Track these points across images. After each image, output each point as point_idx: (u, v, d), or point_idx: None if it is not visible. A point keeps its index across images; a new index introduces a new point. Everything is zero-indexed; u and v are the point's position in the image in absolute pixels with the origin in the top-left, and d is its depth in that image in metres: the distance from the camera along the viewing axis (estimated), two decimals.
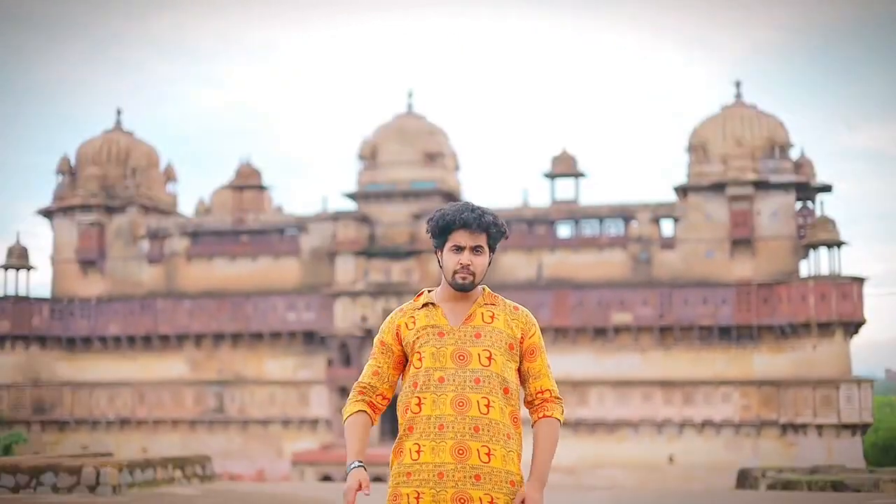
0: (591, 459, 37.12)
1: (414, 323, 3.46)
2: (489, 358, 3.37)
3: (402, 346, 3.47)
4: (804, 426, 35.97)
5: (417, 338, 3.43)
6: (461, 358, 3.36)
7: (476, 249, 3.40)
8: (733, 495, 14.69)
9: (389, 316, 3.56)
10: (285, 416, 40.91)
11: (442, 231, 3.41)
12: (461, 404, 3.32)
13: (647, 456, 37.38)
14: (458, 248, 3.39)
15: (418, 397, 3.37)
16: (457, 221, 3.38)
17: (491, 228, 3.40)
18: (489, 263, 3.45)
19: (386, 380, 3.51)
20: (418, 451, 3.32)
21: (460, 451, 3.29)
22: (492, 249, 3.44)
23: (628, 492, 14.86)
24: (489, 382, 3.35)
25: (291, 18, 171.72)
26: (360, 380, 3.54)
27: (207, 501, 11.42)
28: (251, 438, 41.21)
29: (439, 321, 3.43)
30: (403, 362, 3.50)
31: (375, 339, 3.53)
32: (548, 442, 3.43)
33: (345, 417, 3.49)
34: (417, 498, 3.29)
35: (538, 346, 3.49)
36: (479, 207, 3.42)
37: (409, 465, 3.33)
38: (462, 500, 3.27)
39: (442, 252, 3.44)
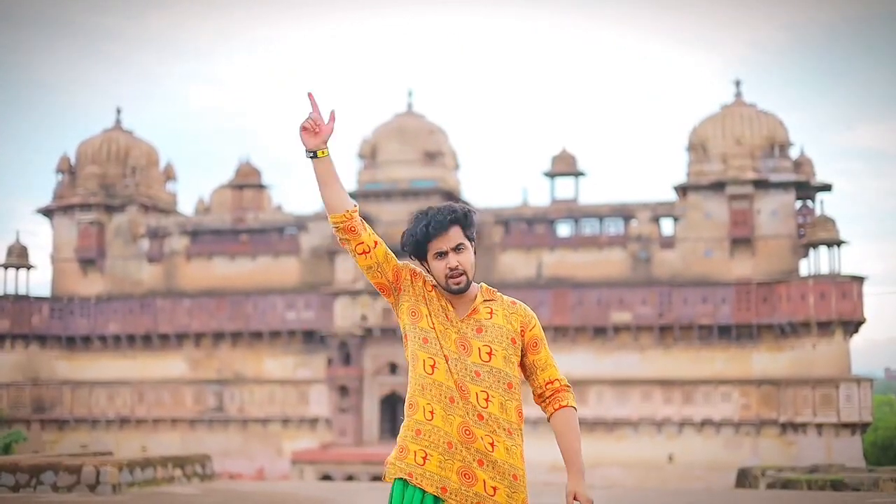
0: (591, 458, 36.97)
1: (427, 288, 3.43)
2: (489, 353, 3.36)
3: (403, 283, 3.43)
4: (804, 425, 35.97)
5: (429, 300, 3.39)
6: (463, 347, 3.35)
7: (458, 248, 3.38)
8: (733, 494, 14.68)
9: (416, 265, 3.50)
10: (285, 416, 40.90)
11: (419, 249, 3.40)
12: (462, 389, 3.32)
13: (646, 455, 37.38)
14: (441, 254, 3.37)
15: (433, 359, 3.34)
16: (429, 234, 3.35)
17: (461, 220, 3.38)
18: (475, 253, 3.43)
19: (382, 251, 3.39)
20: (432, 413, 3.30)
21: (467, 432, 3.29)
22: (471, 240, 3.42)
23: (628, 491, 14.87)
24: (489, 377, 3.34)
25: (291, 17, 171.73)
26: None
27: (207, 500, 11.42)
28: (251, 437, 41.21)
29: (448, 308, 3.42)
30: (390, 279, 3.42)
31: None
32: (573, 432, 3.43)
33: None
34: (425, 458, 3.28)
35: (540, 337, 3.48)
36: (441, 208, 3.39)
37: (421, 422, 3.31)
38: (467, 475, 3.27)
39: (427, 263, 3.42)
